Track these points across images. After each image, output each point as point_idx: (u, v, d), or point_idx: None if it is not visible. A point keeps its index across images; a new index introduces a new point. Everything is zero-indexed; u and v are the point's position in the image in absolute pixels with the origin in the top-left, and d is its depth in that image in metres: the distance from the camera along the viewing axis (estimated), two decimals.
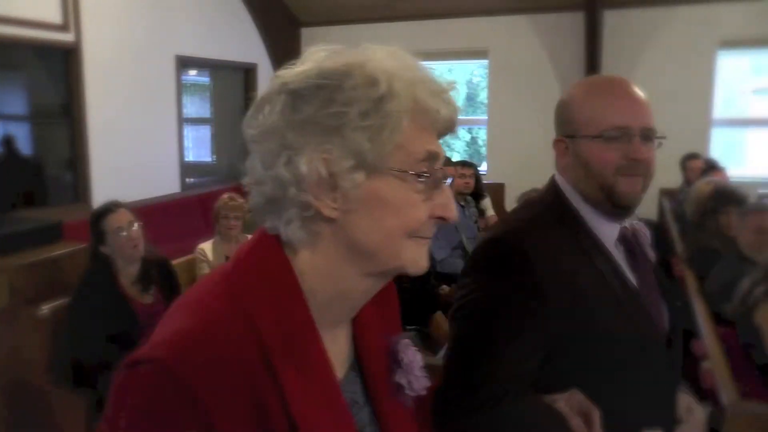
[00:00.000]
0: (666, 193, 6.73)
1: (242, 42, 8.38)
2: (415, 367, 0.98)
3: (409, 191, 0.84)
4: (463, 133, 12.42)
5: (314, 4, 8.59)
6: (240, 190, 5.75)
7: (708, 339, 2.79)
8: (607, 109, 1.34)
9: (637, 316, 1.35)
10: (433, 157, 0.86)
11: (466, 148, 12.30)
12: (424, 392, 0.98)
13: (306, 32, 9.19)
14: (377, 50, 0.86)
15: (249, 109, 0.88)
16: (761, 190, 6.35)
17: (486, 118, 8.47)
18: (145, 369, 0.76)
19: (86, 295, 3.25)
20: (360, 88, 0.81)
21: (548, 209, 1.41)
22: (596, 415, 1.16)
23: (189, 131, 7.74)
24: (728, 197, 4.12)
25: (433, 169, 0.86)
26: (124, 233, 3.31)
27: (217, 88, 8.27)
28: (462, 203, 5.23)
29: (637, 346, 1.32)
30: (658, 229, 5.82)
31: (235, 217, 4.27)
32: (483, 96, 9.27)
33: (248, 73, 8.57)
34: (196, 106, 7.99)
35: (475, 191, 5.64)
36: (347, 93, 0.81)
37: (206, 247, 4.26)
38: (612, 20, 7.57)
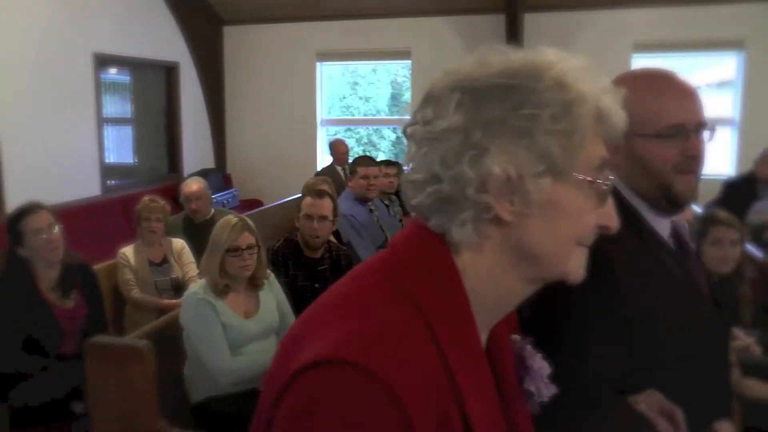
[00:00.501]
0: None
1: (163, 40, 8.19)
2: (543, 374, 0.96)
3: (584, 198, 0.83)
4: (388, 132, 12.56)
5: (237, 2, 8.49)
6: (164, 192, 5.67)
7: None
8: (663, 107, 1.30)
9: (703, 310, 1.35)
10: (605, 164, 0.85)
11: (392, 148, 12.42)
12: (549, 400, 0.96)
13: (229, 31, 9.09)
14: (550, 52, 0.85)
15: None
16: None
17: (407, 117, 8.57)
18: (339, 370, 0.71)
19: (2, 299, 3.14)
20: (552, 91, 0.80)
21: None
22: (680, 415, 1.16)
23: (110, 132, 7.51)
24: None
25: (606, 176, 0.84)
26: (44, 235, 3.21)
27: (138, 88, 8.05)
28: (387, 202, 5.28)
29: (706, 340, 1.30)
30: None
31: (157, 219, 4.19)
32: (408, 96, 9.37)
33: (170, 72, 8.38)
34: (117, 106, 7.76)
35: (400, 190, 5.68)
36: (540, 95, 0.80)
37: (128, 251, 4.16)
38: (531, 23, 7.78)
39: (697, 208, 5.05)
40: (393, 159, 7.12)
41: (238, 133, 9.26)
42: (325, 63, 8.99)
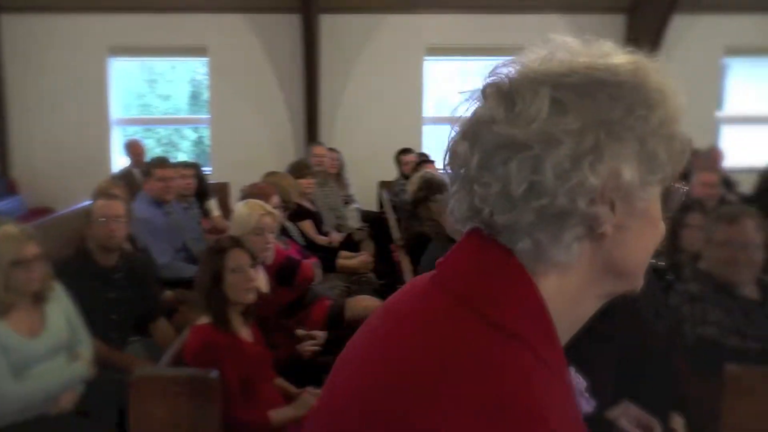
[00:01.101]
0: (384, 185, 7.21)
1: None
2: (581, 389, 0.89)
3: (659, 205, 0.76)
4: (189, 132, 12.12)
5: None
6: None
7: None
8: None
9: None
10: None
11: (193, 148, 11.99)
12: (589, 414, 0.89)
13: (7, 20, 8.23)
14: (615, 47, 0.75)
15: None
16: None
17: (209, 117, 8.35)
18: None
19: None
20: (656, 92, 0.72)
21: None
22: (657, 427, 1.13)
23: None
24: (436, 187, 4.51)
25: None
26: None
27: None
28: (185, 205, 5.09)
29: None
30: (379, 219, 6.20)
31: None
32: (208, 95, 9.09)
33: None
34: None
35: (200, 192, 5.53)
36: (648, 95, 0.71)
37: None
38: (328, 24, 7.88)
39: None
40: (194, 160, 6.90)
41: (24, 133, 8.43)
42: (117, 58, 8.46)
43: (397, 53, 8.11)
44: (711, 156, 6.77)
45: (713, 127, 8.93)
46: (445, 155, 0.79)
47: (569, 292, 0.74)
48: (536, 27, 8.17)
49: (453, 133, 0.78)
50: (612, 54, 0.74)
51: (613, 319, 1.24)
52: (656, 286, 3.11)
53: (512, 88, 0.72)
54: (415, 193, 4.62)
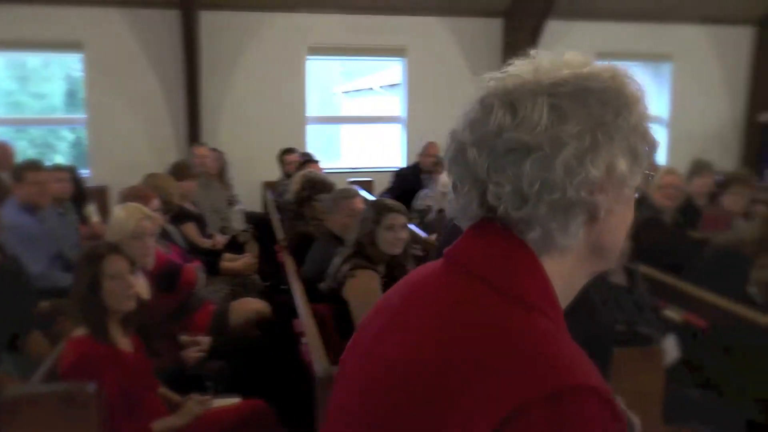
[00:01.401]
0: (268, 185, 7.15)
1: None
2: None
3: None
4: (66, 133, 11.51)
5: None
6: None
7: (304, 317, 3.03)
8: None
9: None
10: None
11: (71, 150, 11.40)
12: None
13: None
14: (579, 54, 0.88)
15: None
16: (350, 179, 7.10)
17: (86, 116, 7.92)
18: (588, 399, 0.72)
19: None
20: (632, 95, 0.84)
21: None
22: (633, 417, 1.15)
23: None
24: (320, 186, 4.53)
25: None
26: None
27: None
28: (61, 210, 4.84)
29: None
30: (263, 220, 6.15)
31: None
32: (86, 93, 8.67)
33: None
34: None
35: (77, 196, 5.27)
36: (627, 98, 0.83)
37: None
38: (209, 21, 7.69)
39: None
40: (71, 162, 6.57)
41: None
42: None
43: (279, 52, 8.04)
44: None
45: None
46: (451, 161, 0.89)
47: (566, 271, 0.86)
48: (417, 29, 8.37)
49: (453, 141, 0.88)
50: (588, 64, 0.86)
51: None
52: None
53: (513, 98, 0.82)
54: (298, 192, 4.63)
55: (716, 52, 9.78)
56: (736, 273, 3.48)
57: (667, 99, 9.85)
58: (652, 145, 0.86)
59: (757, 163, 9.77)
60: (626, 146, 0.83)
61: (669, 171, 4.58)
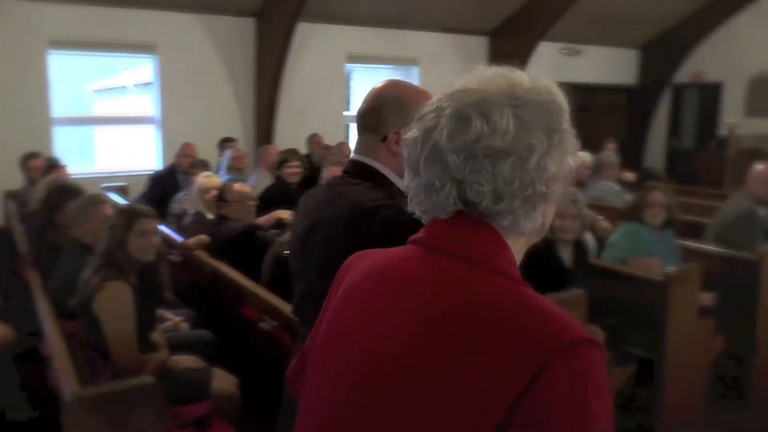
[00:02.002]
0: (10, 195, 6.49)
1: None
2: None
3: None
4: None
5: None
6: None
7: (52, 337, 2.82)
8: None
9: None
10: None
11: None
12: None
13: None
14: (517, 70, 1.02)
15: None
16: (104, 184, 6.71)
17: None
18: (593, 349, 0.86)
19: None
20: (561, 103, 1.00)
21: (387, 187, 1.63)
22: None
23: None
24: (67, 193, 4.23)
25: None
26: None
27: None
28: None
29: None
30: (3, 233, 5.59)
31: None
32: None
33: None
34: None
35: None
36: (562, 107, 0.99)
37: None
38: None
39: None
40: None
41: None
42: None
43: (14, 45, 7.30)
44: (340, 151, 7.43)
45: (342, 125, 9.80)
46: (425, 163, 0.98)
47: (519, 248, 1.02)
48: (168, 25, 8.14)
49: (425, 146, 0.98)
50: (528, 77, 1.00)
51: None
52: None
53: (484, 110, 0.94)
54: (44, 200, 4.29)
55: (459, 57, 10.68)
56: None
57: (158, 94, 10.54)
58: (576, 143, 1.03)
59: None
60: (568, 145, 0.99)
61: None
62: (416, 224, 1.07)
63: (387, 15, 9.54)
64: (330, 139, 8.27)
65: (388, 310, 0.97)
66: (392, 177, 1.67)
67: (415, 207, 1.03)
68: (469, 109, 0.95)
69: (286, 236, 3.65)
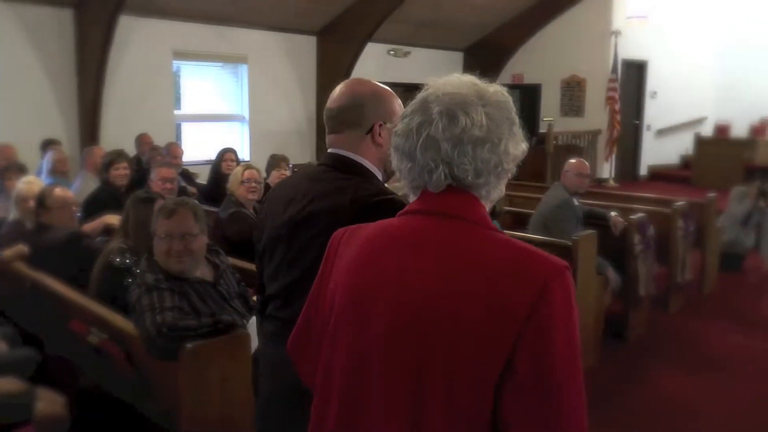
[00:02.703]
0: None
1: None
2: None
3: None
4: None
5: None
6: None
7: None
8: (402, 108, 1.69)
9: None
10: None
11: None
12: None
13: None
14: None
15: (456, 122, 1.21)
16: None
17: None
18: (570, 273, 1.16)
19: None
20: (511, 103, 1.28)
21: (375, 180, 1.83)
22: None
23: None
24: None
25: None
26: None
27: None
28: None
29: None
30: None
31: None
32: None
33: None
34: None
35: None
36: (513, 106, 1.28)
37: None
38: None
39: None
40: None
41: None
42: None
43: None
44: (170, 152, 7.15)
45: (172, 124, 9.44)
46: (420, 149, 1.23)
47: (486, 212, 1.28)
48: None
49: (419, 136, 1.23)
50: (488, 85, 1.27)
51: None
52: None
53: (466, 108, 1.22)
54: None
55: (288, 56, 10.66)
56: None
57: (246, 98, 10.41)
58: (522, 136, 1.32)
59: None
60: (520, 134, 1.28)
61: (247, 167, 4.85)
62: (395, 207, 1.50)
63: (215, 11, 9.32)
64: (159, 140, 7.92)
65: (410, 265, 1.21)
66: (375, 171, 1.84)
67: (407, 184, 1.30)
68: (456, 109, 1.22)
69: (116, 243, 3.45)
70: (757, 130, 13.72)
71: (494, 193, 1.27)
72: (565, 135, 12.10)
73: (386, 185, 1.88)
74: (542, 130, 12.07)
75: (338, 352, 1.26)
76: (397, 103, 1.88)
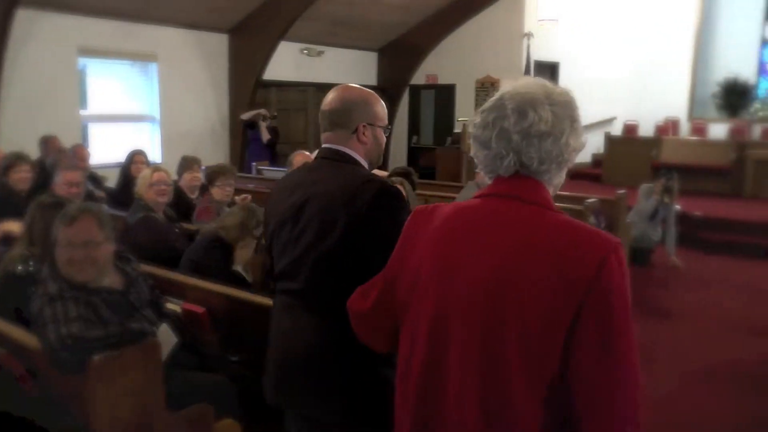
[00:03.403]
0: None
1: None
2: None
3: None
4: None
5: None
6: None
7: None
8: (385, 111, 2.22)
9: None
10: None
11: None
12: None
13: None
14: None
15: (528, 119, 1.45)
16: None
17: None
18: (622, 248, 1.37)
19: None
20: (575, 102, 1.51)
21: (363, 167, 2.16)
22: None
23: None
24: None
25: None
26: None
27: None
28: None
29: None
30: None
31: None
32: None
33: None
34: None
35: None
36: (575, 105, 1.50)
37: None
38: None
39: None
40: None
41: None
42: None
43: None
44: (76, 154, 6.88)
45: (78, 125, 9.08)
46: (495, 140, 1.46)
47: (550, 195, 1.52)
48: None
49: (495, 128, 1.46)
50: (556, 86, 1.49)
51: None
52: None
53: (534, 106, 1.44)
54: None
55: (200, 54, 10.45)
56: (221, 257, 3.81)
57: (157, 98, 10.13)
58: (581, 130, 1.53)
59: (243, 158, 10.79)
60: (580, 129, 1.49)
61: (156, 169, 4.73)
62: (397, 192, 2.02)
63: (123, 7, 9.03)
64: (64, 141, 7.58)
65: (487, 240, 1.43)
66: (362, 162, 2.16)
67: (482, 169, 1.54)
68: (526, 106, 1.44)
69: (18, 251, 3.28)
70: (662, 129, 14.38)
71: (556, 179, 1.52)
72: None
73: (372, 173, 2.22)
74: (457, 130, 12.29)
75: (424, 312, 1.50)
76: (380, 105, 2.20)
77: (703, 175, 11.63)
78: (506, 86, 1.51)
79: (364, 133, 2.14)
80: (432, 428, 1.46)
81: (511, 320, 1.34)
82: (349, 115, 2.13)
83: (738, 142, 12.27)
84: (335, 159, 2.12)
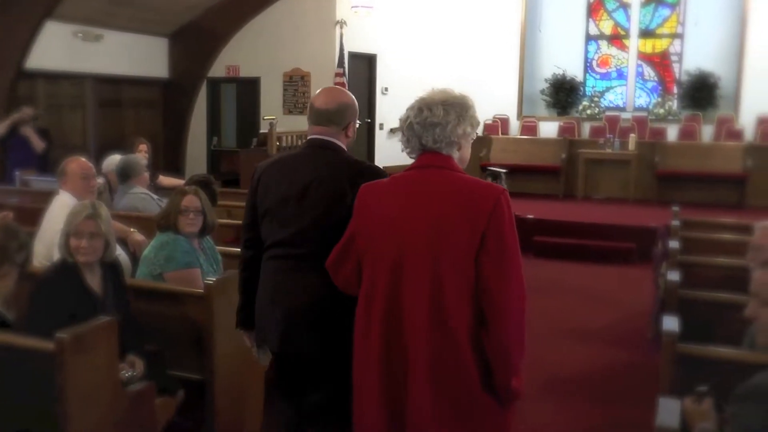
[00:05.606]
0: None
1: None
2: None
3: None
4: None
5: None
6: None
7: None
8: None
9: None
10: None
11: None
12: None
13: None
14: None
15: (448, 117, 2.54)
16: None
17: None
18: (507, 192, 2.48)
19: None
20: (469, 102, 2.61)
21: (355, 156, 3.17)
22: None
23: None
24: None
25: None
26: None
27: None
28: None
29: None
30: None
31: None
32: None
33: None
34: None
35: None
36: (470, 104, 2.60)
37: None
38: None
39: None
40: None
41: None
42: None
43: None
44: None
45: None
46: (407, 129, 2.57)
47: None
48: None
49: (406, 122, 2.57)
50: (452, 91, 2.59)
51: None
52: None
53: (431, 104, 2.53)
54: None
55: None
56: None
57: None
58: (477, 122, 2.63)
59: (2, 165, 10.00)
60: (472, 121, 2.57)
61: None
62: (378, 170, 3.00)
63: None
64: None
65: (419, 197, 2.49)
66: (345, 150, 3.09)
67: (407, 152, 2.61)
68: (424, 106, 2.52)
69: None
70: (490, 128, 15.24)
71: (456, 154, 2.57)
72: (291, 135, 12.34)
73: None
74: (263, 130, 12.22)
75: (385, 255, 2.49)
76: (356, 105, 3.16)
77: (535, 176, 12.48)
78: (425, 94, 2.58)
79: (351, 129, 3.12)
80: (394, 341, 2.45)
81: (445, 249, 2.40)
82: (342, 115, 3.07)
83: (568, 140, 13.31)
84: (327, 148, 3.03)
